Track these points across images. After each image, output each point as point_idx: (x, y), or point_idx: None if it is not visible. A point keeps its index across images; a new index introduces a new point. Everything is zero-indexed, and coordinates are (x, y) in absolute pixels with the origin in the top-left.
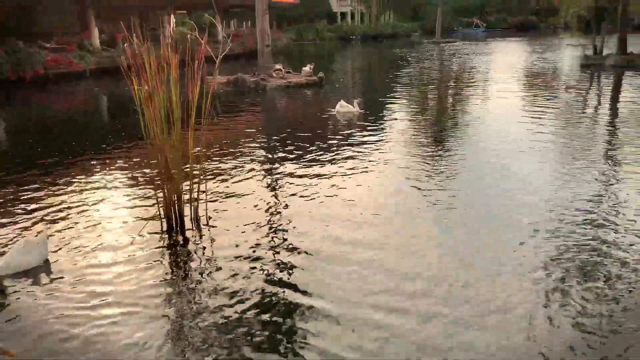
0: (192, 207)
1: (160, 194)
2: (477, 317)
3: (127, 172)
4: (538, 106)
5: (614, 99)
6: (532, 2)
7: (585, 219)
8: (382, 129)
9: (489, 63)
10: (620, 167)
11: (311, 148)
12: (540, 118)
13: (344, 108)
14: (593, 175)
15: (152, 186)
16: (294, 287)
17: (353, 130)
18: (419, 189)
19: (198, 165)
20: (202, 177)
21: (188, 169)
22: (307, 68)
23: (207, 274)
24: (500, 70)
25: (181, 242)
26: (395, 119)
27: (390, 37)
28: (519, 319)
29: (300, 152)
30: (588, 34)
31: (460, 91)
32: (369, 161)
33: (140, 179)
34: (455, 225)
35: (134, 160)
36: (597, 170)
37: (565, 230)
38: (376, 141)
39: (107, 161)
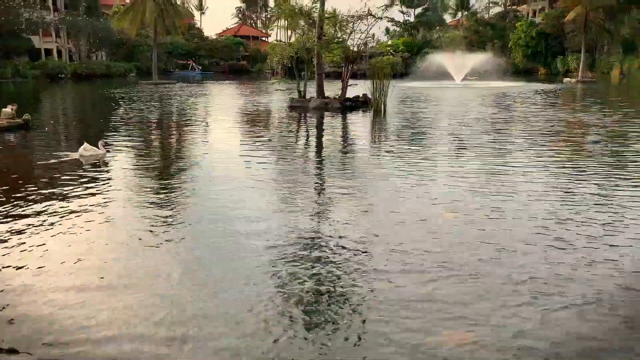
0: None
1: None
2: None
3: None
4: (255, 143)
5: (319, 135)
6: (242, 49)
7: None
8: (101, 174)
9: (208, 104)
10: (328, 196)
11: (17, 202)
12: (257, 154)
13: (88, 151)
14: (311, 203)
15: None
16: None
17: (67, 177)
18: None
19: None
20: None
21: None
22: (7, 109)
23: None
24: (219, 110)
25: None
26: (118, 161)
27: (104, 77)
28: None
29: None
30: (293, 79)
31: (182, 131)
32: (90, 214)
33: None
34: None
35: None
36: (313, 199)
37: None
38: (99, 189)
39: None
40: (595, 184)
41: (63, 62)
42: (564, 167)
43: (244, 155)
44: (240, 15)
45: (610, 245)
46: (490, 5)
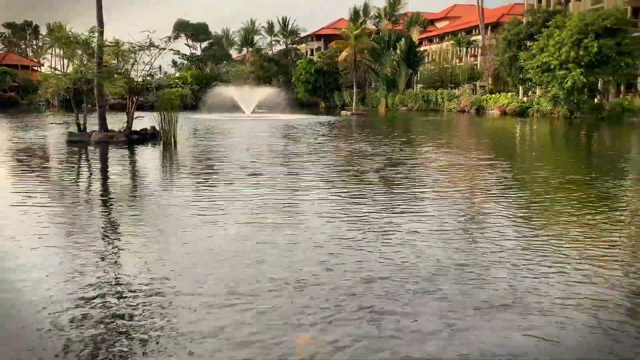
0: None
1: None
2: None
3: None
4: (31, 184)
5: (104, 171)
6: (9, 79)
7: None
8: None
9: None
10: (115, 240)
11: None
12: (31, 195)
13: None
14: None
15: None
16: None
17: None
18: None
19: None
20: None
21: None
22: None
23: None
24: None
25: None
26: None
27: None
28: None
29: None
30: (71, 112)
31: None
32: None
33: None
34: None
35: None
36: (101, 245)
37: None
38: None
39: None
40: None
41: None
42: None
43: (17, 204)
44: (5, 42)
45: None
46: (273, 42)
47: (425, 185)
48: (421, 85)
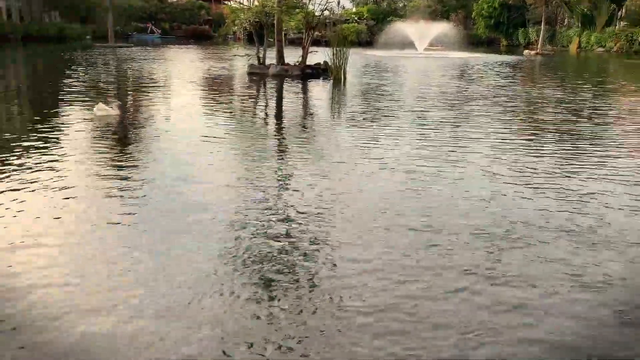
0: None
1: None
2: None
3: None
4: (217, 108)
5: (278, 101)
6: (204, 13)
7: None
8: (56, 138)
9: (166, 69)
10: (289, 164)
11: None
12: (220, 118)
13: (101, 111)
14: (272, 172)
15: None
16: None
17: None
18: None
19: None
20: None
21: None
22: None
23: None
24: (180, 74)
25: None
26: (75, 130)
27: (58, 40)
28: None
29: None
30: (253, 45)
31: (138, 96)
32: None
33: None
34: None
35: None
36: (275, 171)
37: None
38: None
39: None
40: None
41: (13, 22)
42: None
43: (201, 130)
44: None
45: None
46: None
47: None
48: (624, 23)
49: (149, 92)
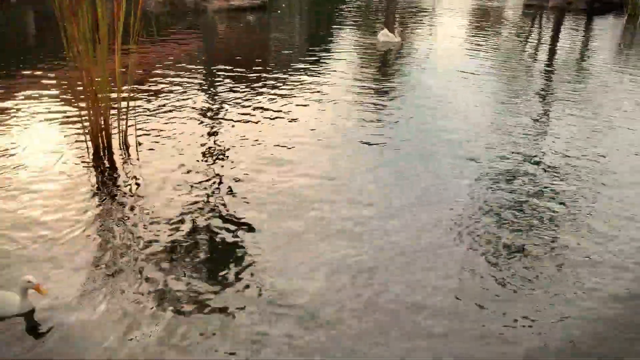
0: (120, 131)
1: (86, 117)
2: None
3: (50, 92)
4: (482, 43)
5: (554, 39)
6: None
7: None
8: (325, 63)
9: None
10: (549, 102)
11: (252, 77)
12: (484, 54)
13: (384, 37)
14: (527, 108)
15: (77, 109)
16: (229, 214)
17: (296, 65)
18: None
19: (127, 87)
20: (130, 99)
21: (116, 91)
22: None
23: (138, 199)
24: (450, 3)
25: (109, 167)
26: (342, 56)
27: None
28: None
29: (238, 83)
30: None
31: (419, 23)
32: (314, 96)
33: (65, 102)
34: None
35: (58, 80)
36: (531, 105)
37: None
38: (321, 75)
39: (29, 82)
40: None
41: None
42: None
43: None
44: None
45: None
46: None
47: None
48: None
49: (423, 22)
